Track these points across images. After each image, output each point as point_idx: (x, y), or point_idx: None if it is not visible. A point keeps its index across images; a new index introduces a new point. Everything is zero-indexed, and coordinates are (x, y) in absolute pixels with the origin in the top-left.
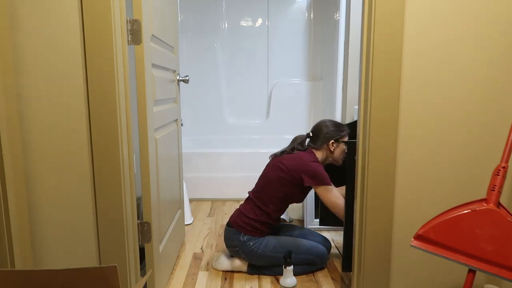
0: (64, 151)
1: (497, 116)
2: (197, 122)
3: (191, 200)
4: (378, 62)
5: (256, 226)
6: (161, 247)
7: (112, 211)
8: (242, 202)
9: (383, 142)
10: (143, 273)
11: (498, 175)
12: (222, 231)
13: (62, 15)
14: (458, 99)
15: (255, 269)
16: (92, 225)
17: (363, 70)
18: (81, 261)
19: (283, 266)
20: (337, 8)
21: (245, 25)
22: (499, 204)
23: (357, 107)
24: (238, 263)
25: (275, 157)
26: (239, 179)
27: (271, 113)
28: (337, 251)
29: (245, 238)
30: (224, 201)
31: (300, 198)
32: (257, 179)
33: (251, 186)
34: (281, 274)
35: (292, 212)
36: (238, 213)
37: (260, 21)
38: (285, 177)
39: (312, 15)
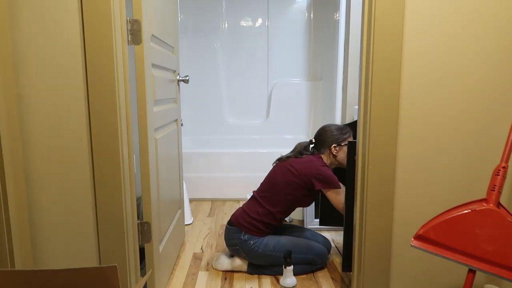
0: (64, 151)
1: (497, 116)
2: (197, 122)
3: (191, 200)
4: (378, 62)
5: (258, 226)
6: (161, 247)
7: (112, 211)
8: (243, 202)
9: (383, 142)
10: (143, 273)
11: (498, 175)
12: (222, 231)
13: (62, 15)
14: (458, 99)
15: (255, 268)
16: (92, 225)
17: (363, 70)
18: (81, 261)
19: (283, 266)
20: (337, 8)
21: (245, 25)
22: (499, 204)
23: (357, 107)
24: (238, 263)
25: (280, 161)
26: (239, 179)
27: (271, 113)
28: (337, 251)
29: (245, 237)
30: (224, 201)
31: (308, 202)
32: (262, 179)
33: (251, 186)
34: (281, 274)
35: (292, 212)
36: (241, 212)
37: (260, 21)
38: (296, 181)
39: (312, 15)
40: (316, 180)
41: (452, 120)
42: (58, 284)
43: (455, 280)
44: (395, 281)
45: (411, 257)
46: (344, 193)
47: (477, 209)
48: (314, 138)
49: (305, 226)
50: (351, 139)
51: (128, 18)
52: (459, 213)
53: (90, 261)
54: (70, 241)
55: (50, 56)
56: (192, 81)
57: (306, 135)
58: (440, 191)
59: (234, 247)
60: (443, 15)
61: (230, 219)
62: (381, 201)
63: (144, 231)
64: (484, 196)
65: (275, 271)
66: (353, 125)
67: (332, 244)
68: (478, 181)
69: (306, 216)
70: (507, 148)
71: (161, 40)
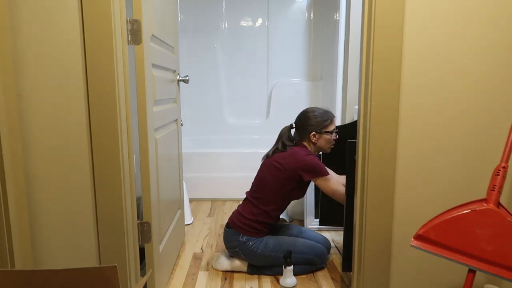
0: (64, 151)
1: (497, 116)
2: (197, 122)
3: (191, 200)
4: (378, 62)
5: (255, 226)
6: (161, 247)
7: (112, 211)
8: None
9: (383, 142)
10: (143, 273)
11: (498, 175)
12: (222, 231)
13: (62, 15)
14: (459, 99)
15: (255, 269)
16: (92, 225)
17: (363, 70)
18: (81, 261)
19: (283, 266)
20: (337, 8)
21: (245, 25)
22: (499, 204)
23: (357, 107)
24: (238, 263)
25: (267, 158)
26: (239, 179)
27: (271, 113)
28: (337, 251)
29: (244, 238)
30: (224, 201)
31: (300, 194)
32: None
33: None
34: (281, 274)
35: (292, 212)
36: (237, 214)
37: (260, 21)
38: (283, 177)
39: (312, 15)
40: (304, 172)
41: (452, 120)
42: (58, 284)
43: (455, 280)
44: (395, 281)
45: (411, 257)
46: (334, 179)
47: (477, 209)
48: (295, 122)
49: (305, 226)
50: (332, 126)
51: (128, 18)
52: (459, 213)
53: (90, 261)
54: (70, 241)
55: (50, 56)
56: (192, 81)
57: None
58: (440, 191)
59: (233, 249)
60: (443, 15)
61: (227, 221)
62: (381, 201)
63: (144, 231)
64: (484, 196)
65: (275, 271)
66: (353, 125)
67: (332, 244)
68: (478, 181)
69: (306, 216)
70: (507, 148)
71: (161, 40)
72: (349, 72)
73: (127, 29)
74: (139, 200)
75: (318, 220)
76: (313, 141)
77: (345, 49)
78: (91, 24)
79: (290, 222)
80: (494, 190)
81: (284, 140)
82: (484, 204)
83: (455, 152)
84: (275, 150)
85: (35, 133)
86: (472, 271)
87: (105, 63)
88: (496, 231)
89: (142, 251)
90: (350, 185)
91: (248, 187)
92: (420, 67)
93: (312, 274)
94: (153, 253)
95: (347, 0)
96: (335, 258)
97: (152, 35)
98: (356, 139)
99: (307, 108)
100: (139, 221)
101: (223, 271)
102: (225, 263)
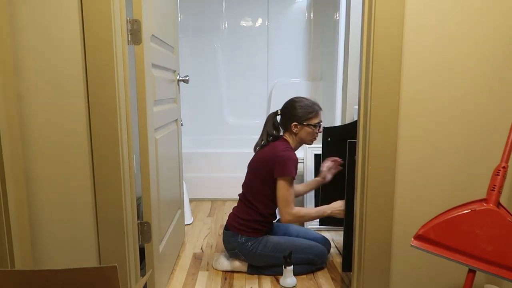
0: (64, 151)
1: (497, 116)
2: (197, 122)
3: (191, 200)
4: (378, 62)
5: (252, 226)
6: (161, 247)
7: (112, 211)
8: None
9: (383, 142)
10: (143, 273)
11: (498, 175)
12: (222, 231)
13: (62, 15)
14: (459, 98)
15: (255, 269)
16: (92, 225)
17: (363, 70)
18: (81, 261)
19: (283, 266)
20: (337, 8)
21: (245, 25)
22: (499, 204)
23: (357, 107)
24: (238, 264)
25: (255, 151)
26: (239, 179)
27: None
28: (337, 251)
29: (243, 239)
30: (224, 201)
31: None
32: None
33: None
34: (281, 274)
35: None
36: (233, 215)
37: (260, 21)
38: (263, 174)
39: (312, 15)
40: (276, 164)
41: (453, 120)
42: (58, 284)
43: (455, 280)
44: (395, 281)
45: (411, 257)
46: (291, 190)
47: (477, 209)
48: (281, 110)
49: (305, 226)
50: (315, 120)
51: (128, 18)
52: (459, 213)
53: (90, 261)
54: (70, 241)
55: (50, 56)
56: (192, 81)
57: None
58: (440, 191)
59: (232, 250)
60: (443, 15)
61: (226, 223)
62: (381, 201)
63: (144, 231)
64: (484, 196)
65: (275, 272)
66: (353, 125)
67: (332, 244)
68: (478, 181)
69: None
70: (507, 148)
71: (161, 40)
72: (349, 72)
73: (127, 29)
74: (139, 200)
75: (318, 220)
76: (294, 131)
77: (345, 49)
78: (91, 24)
79: None
80: (494, 190)
81: (268, 128)
82: (484, 204)
83: (455, 152)
84: (261, 145)
85: (35, 133)
86: (472, 271)
87: (105, 63)
88: (496, 231)
89: (142, 251)
90: (350, 185)
91: None
92: (420, 67)
93: (312, 274)
94: (153, 253)
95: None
96: (335, 258)
97: (152, 35)
98: (356, 139)
99: (295, 97)
100: (139, 221)
101: (223, 271)
102: (225, 263)
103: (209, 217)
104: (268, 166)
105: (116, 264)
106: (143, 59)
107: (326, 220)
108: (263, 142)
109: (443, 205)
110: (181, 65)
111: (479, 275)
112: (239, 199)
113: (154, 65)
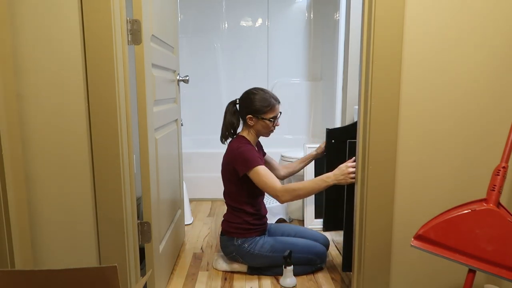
0: (64, 151)
1: (497, 116)
2: (197, 122)
3: (191, 200)
4: (378, 62)
5: (244, 226)
6: (161, 247)
7: (112, 211)
8: None
9: (383, 142)
10: (143, 273)
11: (498, 175)
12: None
13: (62, 15)
14: (459, 99)
15: (255, 270)
16: (92, 225)
17: (363, 70)
18: (81, 261)
19: (283, 266)
20: (337, 8)
21: (245, 25)
22: (499, 204)
23: (357, 107)
24: (237, 265)
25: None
26: None
27: None
28: (337, 251)
29: (239, 241)
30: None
31: (258, 188)
32: None
33: None
34: (281, 274)
35: (292, 212)
36: (224, 221)
37: (260, 21)
38: (232, 178)
39: (312, 15)
40: (236, 165)
41: (453, 120)
42: (58, 284)
43: (455, 280)
44: (395, 281)
45: (411, 257)
46: (266, 171)
47: (477, 209)
48: (239, 99)
49: (305, 226)
50: (271, 114)
51: (128, 18)
52: (459, 213)
53: (90, 261)
54: (70, 241)
55: (50, 56)
56: (192, 81)
57: (306, 135)
58: (440, 191)
59: (230, 254)
60: (443, 15)
61: (221, 229)
62: (381, 201)
63: (144, 231)
64: (484, 196)
65: (275, 272)
66: (353, 125)
67: (332, 244)
68: (478, 181)
69: (306, 216)
70: (507, 148)
71: (161, 40)
72: (349, 72)
73: (127, 29)
74: (139, 200)
75: (318, 220)
76: (250, 124)
77: (345, 49)
78: (91, 24)
79: (290, 222)
80: (494, 190)
81: (228, 116)
82: (484, 204)
83: (455, 152)
84: (225, 136)
85: (35, 133)
86: (472, 271)
87: (105, 63)
88: (496, 231)
89: (142, 251)
90: (350, 185)
91: None
92: (421, 67)
93: (312, 274)
94: (153, 253)
95: (347, 0)
96: (335, 258)
97: (152, 35)
98: (356, 139)
99: (253, 88)
100: (139, 221)
101: (223, 271)
102: (224, 264)
103: (209, 217)
104: (233, 169)
105: (116, 264)
106: (143, 59)
107: (330, 226)
108: (227, 133)
109: (443, 205)
110: (181, 65)
111: (479, 275)
112: (226, 205)
113: (154, 65)
